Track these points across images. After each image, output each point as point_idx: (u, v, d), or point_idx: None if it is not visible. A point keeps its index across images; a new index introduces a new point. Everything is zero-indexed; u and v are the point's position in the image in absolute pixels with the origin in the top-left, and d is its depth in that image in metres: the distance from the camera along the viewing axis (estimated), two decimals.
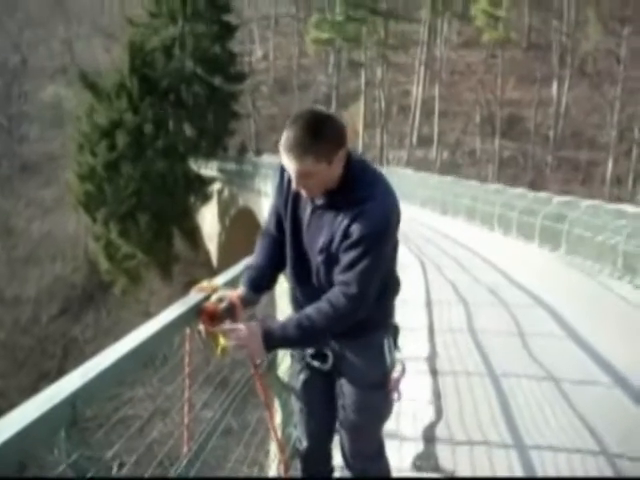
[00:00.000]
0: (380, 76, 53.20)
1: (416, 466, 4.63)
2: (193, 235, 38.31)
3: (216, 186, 37.96)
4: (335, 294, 2.59)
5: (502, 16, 48.37)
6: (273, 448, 4.39)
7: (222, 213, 38.59)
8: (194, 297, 2.85)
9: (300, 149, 2.47)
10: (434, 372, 6.65)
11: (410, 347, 6.95)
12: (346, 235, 2.56)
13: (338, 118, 2.62)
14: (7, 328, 38.59)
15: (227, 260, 32.97)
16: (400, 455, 4.66)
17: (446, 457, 4.76)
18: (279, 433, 4.11)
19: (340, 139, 2.54)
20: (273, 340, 2.60)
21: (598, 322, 9.51)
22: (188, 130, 36.87)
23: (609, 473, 4.58)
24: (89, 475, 1.80)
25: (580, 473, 4.55)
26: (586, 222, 16.17)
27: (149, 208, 33.69)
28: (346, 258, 2.57)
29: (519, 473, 4.51)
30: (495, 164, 47.12)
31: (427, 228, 20.95)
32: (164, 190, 33.67)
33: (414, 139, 52.04)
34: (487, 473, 4.52)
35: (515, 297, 10.89)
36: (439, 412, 5.61)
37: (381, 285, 2.74)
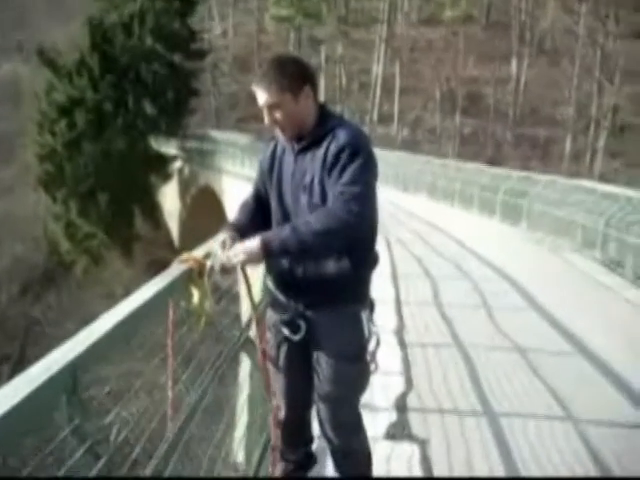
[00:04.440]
0: (340, 53, 53.08)
1: (390, 435, 4.72)
2: (154, 214, 37.99)
3: (177, 164, 37.65)
4: (331, 202, 2.69)
5: None
6: (242, 421, 4.46)
7: (183, 192, 38.32)
8: (177, 269, 2.88)
9: (266, 81, 2.76)
10: (403, 344, 6.76)
11: (378, 320, 7.05)
12: (325, 161, 2.73)
13: (304, 61, 2.94)
14: None
15: (189, 239, 32.82)
16: (374, 425, 4.75)
17: (418, 426, 4.87)
18: (258, 403, 4.19)
19: (303, 76, 2.82)
20: (269, 243, 2.64)
21: (559, 294, 9.71)
22: (148, 108, 36.36)
23: (575, 438, 4.73)
24: (90, 441, 1.84)
25: (548, 438, 4.70)
26: (546, 197, 16.43)
27: (109, 187, 33.32)
28: (333, 177, 2.70)
29: (490, 440, 4.64)
30: (456, 141, 47.40)
31: (390, 204, 21.06)
32: (124, 169, 33.31)
33: (374, 116, 52.09)
34: (459, 440, 4.64)
35: (479, 271, 11.07)
36: (409, 383, 5.72)
37: (359, 255, 2.83)
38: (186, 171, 38.34)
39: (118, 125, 33.14)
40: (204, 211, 33.62)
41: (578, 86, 44.03)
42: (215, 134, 40.58)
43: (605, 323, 8.11)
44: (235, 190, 27.04)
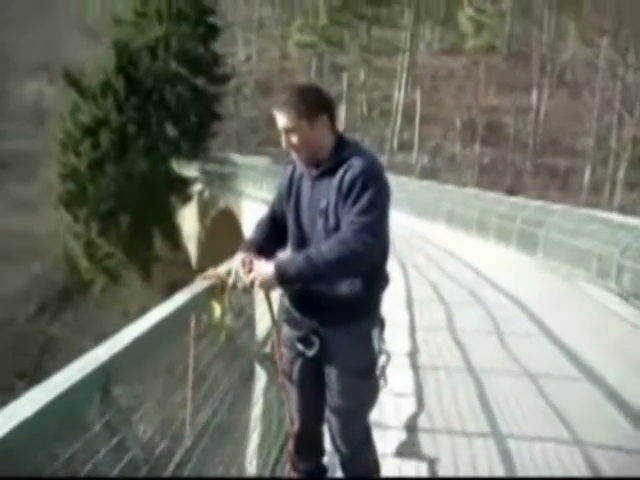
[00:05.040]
0: (362, 80, 53.56)
1: (399, 453, 4.86)
2: (173, 236, 38.23)
3: (197, 187, 37.97)
4: (343, 230, 2.81)
5: (488, 23, 48.80)
6: (256, 433, 4.62)
7: (202, 214, 38.58)
8: (200, 284, 3.07)
9: (287, 106, 2.93)
10: (415, 367, 6.90)
11: (392, 343, 7.20)
12: (340, 189, 2.87)
13: (325, 91, 3.08)
14: None
15: (207, 261, 32.86)
16: (384, 443, 4.87)
17: (428, 445, 5.00)
18: (275, 414, 4.36)
19: (321, 105, 2.98)
20: (283, 272, 2.80)
21: (571, 322, 9.81)
22: (170, 130, 36.86)
23: (580, 460, 4.84)
24: (119, 435, 2.02)
25: (554, 460, 4.81)
26: (562, 227, 16.51)
27: (130, 208, 33.57)
28: (347, 205, 2.84)
29: (497, 460, 4.76)
30: (475, 170, 47.53)
31: (408, 231, 21.21)
32: (145, 190, 33.59)
33: (395, 143, 52.37)
34: (467, 460, 4.77)
35: (493, 298, 11.18)
36: (420, 404, 5.86)
37: (370, 276, 3.00)
38: (206, 193, 38.62)
39: (140, 147, 33.47)
40: (223, 233, 33.79)
41: (598, 118, 44.13)
42: (235, 157, 40.94)
43: (616, 351, 8.20)
44: (254, 213, 27.27)
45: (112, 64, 33.70)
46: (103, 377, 1.99)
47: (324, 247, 2.78)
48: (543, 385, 6.46)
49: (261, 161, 37.12)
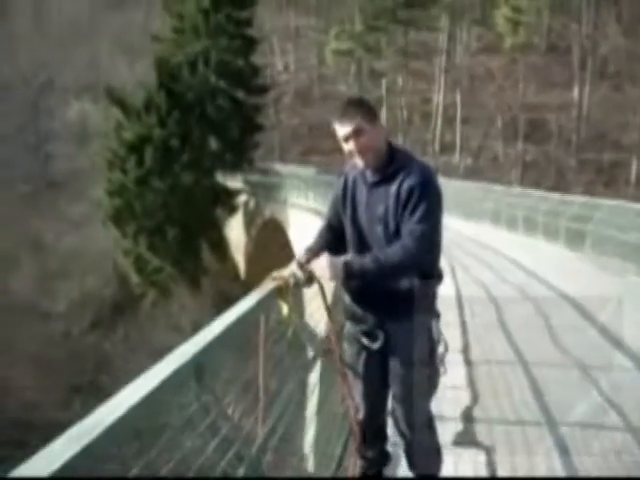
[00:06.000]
0: (401, 84, 53.63)
1: (457, 443, 5.04)
2: (221, 247, 38.63)
3: (242, 198, 38.37)
4: (404, 238, 3.10)
5: (524, 21, 48.53)
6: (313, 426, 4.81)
7: (248, 224, 38.93)
8: (268, 285, 3.34)
9: (350, 113, 3.21)
10: (469, 362, 7.06)
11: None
12: (398, 197, 3.15)
13: None
14: (39, 342, 39.12)
15: (255, 271, 33.24)
16: (441, 433, 5.06)
17: (483, 434, 5.19)
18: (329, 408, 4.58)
19: (375, 111, 3.31)
20: (351, 267, 3.11)
21: (623, 317, 9.82)
22: (213, 143, 37.40)
23: (635, 447, 4.97)
24: (213, 414, 2.27)
25: (609, 447, 4.94)
26: (610, 222, 16.45)
27: (177, 221, 34.07)
28: (406, 213, 3.11)
29: (552, 446, 4.91)
30: (518, 168, 47.26)
31: (454, 233, 21.29)
32: (191, 203, 34.07)
33: (436, 146, 52.33)
34: (522, 447, 4.93)
35: (542, 294, 11.24)
36: (475, 397, 6.03)
37: (427, 273, 3.25)
38: (251, 204, 39.00)
39: (184, 161, 33.91)
40: (269, 242, 34.14)
41: None
42: (279, 167, 41.31)
43: None
44: (299, 222, 27.54)
45: (153, 81, 34.31)
46: (196, 365, 2.25)
47: (390, 250, 3.10)
48: (596, 377, 6.56)
49: (304, 171, 37.41)
